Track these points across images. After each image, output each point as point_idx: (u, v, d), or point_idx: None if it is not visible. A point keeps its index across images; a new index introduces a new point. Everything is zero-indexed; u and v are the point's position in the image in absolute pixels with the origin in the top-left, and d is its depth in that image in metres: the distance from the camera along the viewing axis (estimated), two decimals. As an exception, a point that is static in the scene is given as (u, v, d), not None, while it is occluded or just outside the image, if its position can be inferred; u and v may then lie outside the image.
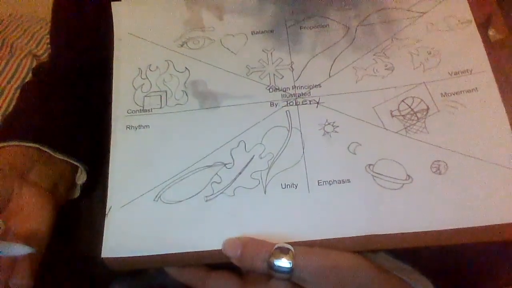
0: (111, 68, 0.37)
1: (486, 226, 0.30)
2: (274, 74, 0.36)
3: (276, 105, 0.35)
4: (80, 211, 0.46)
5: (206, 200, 0.32)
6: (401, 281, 0.30)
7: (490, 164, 0.32)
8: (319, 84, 0.36)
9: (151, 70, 0.37)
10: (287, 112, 0.35)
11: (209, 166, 0.33)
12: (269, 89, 0.36)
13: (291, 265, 0.28)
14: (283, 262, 0.29)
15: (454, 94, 0.34)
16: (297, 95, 0.35)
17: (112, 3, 0.39)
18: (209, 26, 0.39)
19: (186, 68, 0.37)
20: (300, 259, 0.29)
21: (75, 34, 0.48)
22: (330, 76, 0.36)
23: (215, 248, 0.31)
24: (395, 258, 0.31)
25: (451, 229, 0.30)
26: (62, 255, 0.40)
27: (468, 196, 0.31)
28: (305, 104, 0.35)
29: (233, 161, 0.33)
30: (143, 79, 0.37)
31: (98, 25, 0.42)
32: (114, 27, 0.39)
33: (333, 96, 0.35)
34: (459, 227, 0.30)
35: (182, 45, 0.38)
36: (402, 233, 0.30)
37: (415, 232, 0.30)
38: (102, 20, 0.39)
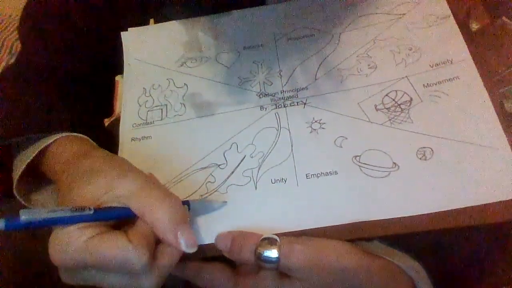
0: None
1: (475, 207, 0.30)
2: (264, 82, 0.39)
3: (265, 109, 0.37)
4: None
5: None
6: (390, 264, 0.30)
7: (476, 146, 0.32)
8: (305, 87, 0.38)
9: (154, 89, 0.41)
10: (276, 114, 0.37)
11: (204, 168, 0.36)
12: (259, 95, 0.38)
13: (277, 255, 0.29)
14: (270, 252, 0.30)
15: (436, 84, 0.35)
16: (285, 98, 0.38)
17: (121, 32, 0.44)
18: (206, 46, 0.42)
19: (184, 83, 0.40)
20: (286, 248, 0.29)
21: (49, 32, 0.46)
22: (316, 79, 0.38)
23: (209, 242, 0.32)
24: (390, 246, 0.31)
25: (441, 212, 0.30)
26: None
27: (455, 178, 0.31)
28: (293, 105, 0.37)
29: (226, 162, 0.36)
30: (147, 96, 0.41)
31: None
32: (124, 53, 0.43)
33: (319, 97, 0.37)
34: (448, 209, 0.30)
35: (181, 65, 0.42)
36: (391, 219, 0.31)
37: (403, 217, 0.30)
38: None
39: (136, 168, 0.32)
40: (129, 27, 0.44)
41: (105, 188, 0.30)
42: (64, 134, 0.37)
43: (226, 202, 0.34)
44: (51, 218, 0.27)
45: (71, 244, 0.27)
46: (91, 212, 0.28)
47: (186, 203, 0.32)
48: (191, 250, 0.29)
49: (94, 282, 0.29)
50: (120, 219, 0.30)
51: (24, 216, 0.27)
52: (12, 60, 0.47)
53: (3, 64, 0.86)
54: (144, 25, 0.45)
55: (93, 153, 0.35)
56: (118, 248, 0.27)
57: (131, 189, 0.29)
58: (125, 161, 0.33)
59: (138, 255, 0.27)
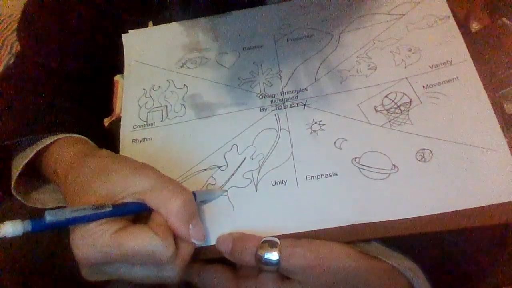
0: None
1: (474, 209, 0.30)
2: (263, 83, 0.39)
3: (265, 110, 0.37)
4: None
5: (202, 200, 0.34)
6: (388, 266, 0.30)
7: (475, 147, 0.32)
8: (305, 88, 0.38)
9: (154, 90, 0.41)
10: (276, 115, 0.37)
11: (204, 170, 0.36)
12: (259, 96, 0.38)
13: (278, 258, 0.30)
14: (270, 255, 0.30)
15: (435, 85, 0.35)
16: (285, 99, 0.38)
17: (122, 34, 0.44)
18: (205, 47, 0.42)
19: (184, 84, 0.41)
20: (286, 251, 0.30)
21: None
22: (316, 80, 0.38)
23: (210, 244, 0.32)
24: (388, 247, 0.31)
25: (440, 214, 0.30)
26: (59, 256, 0.42)
27: (454, 180, 0.31)
28: (293, 107, 0.37)
29: (227, 163, 0.36)
30: (147, 98, 0.41)
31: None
32: (125, 55, 0.43)
33: (319, 98, 0.37)
34: (447, 211, 0.30)
35: (181, 66, 0.42)
36: (390, 221, 0.31)
37: (402, 219, 0.31)
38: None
39: (146, 164, 0.33)
40: (129, 28, 0.44)
41: (120, 185, 0.30)
42: (64, 135, 0.37)
43: (226, 190, 0.34)
44: (75, 217, 0.28)
45: (97, 240, 0.28)
46: (110, 208, 0.29)
47: (192, 194, 0.33)
48: (200, 242, 0.31)
49: (119, 275, 0.30)
50: (135, 214, 0.31)
51: (50, 217, 0.27)
52: (13, 60, 0.47)
53: (3, 64, 0.85)
54: (144, 26, 0.45)
55: (99, 152, 0.35)
56: (145, 240, 0.28)
57: (146, 185, 0.30)
58: (132, 159, 0.34)
59: (166, 246, 0.28)
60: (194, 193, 0.33)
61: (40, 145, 0.37)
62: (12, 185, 0.38)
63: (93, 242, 0.28)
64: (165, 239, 0.28)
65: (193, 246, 0.31)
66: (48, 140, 0.37)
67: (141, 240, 0.28)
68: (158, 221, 0.30)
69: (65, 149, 0.36)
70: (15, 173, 0.37)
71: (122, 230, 0.28)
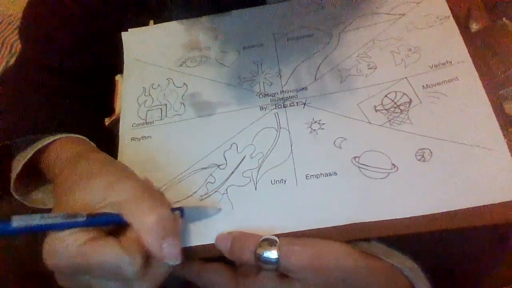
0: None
1: (474, 208, 0.30)
2: (263, 82, 0.39)
3: (265, 109, 0.37)
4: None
5: (201, 199, 0.34)
6: (388, 265, 0.30)
7: (474, 147, 0.32)
8: (305, 87, 0.38)
9: (153, 88, 0.41)
10: (276, 114, 0.37)
11: (204, 168, 0.36)
12: (259, 95, 0.38)
13: (277, 256, 0.29)
14: (269, 253, 0.30)
15: (435, 85, 0.35)
16: (285, 98, 0.38)
17: (122, 33, 0.44)
18: (205, 46, 0.42)
19: (184, 83, 0.41)
20: (285, 249, 0.30)
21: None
22: (315, 79, 0.38)
23: (209, 243, 0.32)
24: (389, 246, 0.31)
25: (439, 213, 0.30)
26: None
27: (454, 180, 0.31)
28: (293, 106, 0.37)
29: (226, 162, 0.36)
30: (147, 96, 0.41)
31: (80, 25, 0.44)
32: (124, 53, 0.43)
33: (319, 97, 0.37)
34: (447, 210, 0.30)
35: (181, 65, 0.42)
36: (389, 220, 0.31)
37: (402, 218, 0.31)
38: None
39: (132, 173, 0.32)
40: (129, 27, 0.44)
41: (99, 194, 0.30)
42: (64, 135, 0.37)
43: (220, 209, 0.33)
44: (43, 225, 0.27)
45: (64, 250, 0.27)
46: (84, 218, 0.28)
47: (180, 209, 0.32)
48: (174, 263, 0.29)
49: (90, 286, 0.29)
50: (113, 225, 0.30)
51: (16, 222, 0.26)
52: (13, 60, 0.47)
53: (3, 64, 0.85)
54: (144, 25, 0.45)
55: (91, 155, 0.35)
56: (110, 253, 0.27)
57: (124, 197, 0.29)
58: (122, 166, 0.33)
59: (130, 261, 0.27)
60: (182, 209, 0.32)
61: (39, 145, 0.37)
62: (12, 184, 0.37)
63: (61, 251, 0.27)
64: (131, 254, 0.27)
65: (168, 265, 0.29)
66: (48, 140, 0.37)
67: (105, 254, 0.27)
68: (130, 235, 0.29)
69: (64, 149, 0.36)
70: (13, 173, 0.37)
71: (91, 241, 0.28)
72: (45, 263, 0.28)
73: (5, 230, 0.26)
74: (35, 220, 0.27)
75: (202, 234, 0.33)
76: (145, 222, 0.29)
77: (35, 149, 0.36)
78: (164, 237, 0.29)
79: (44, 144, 0.37)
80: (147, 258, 0.29)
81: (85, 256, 0.27)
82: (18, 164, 0.37)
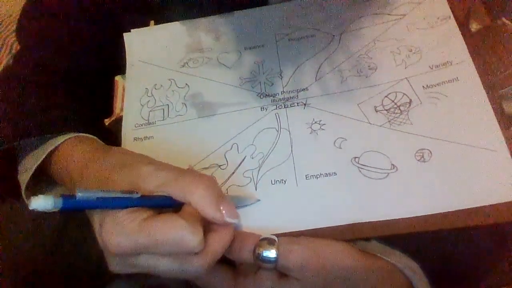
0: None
1: (472, 209, 0.30)
2: (264, 83, 0.39)
3: (266, 109, 0.38)
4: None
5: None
6: (387, 264, 0.30)
7: (474, 148, 0.32)
8: (306, 88, 0.38)
9: (156, 89, 0.41)
10: (276, 114, 0.37)
11: (205, 168, 0.36)
12: (260, 96, 0.39)
13: (276, 255, 0.30)
14: (268, 253, 0.30)
15: (435, 86, 0.35)
16: (285, 99, 0.38)
17: (124, 34, 0.44)
18: (207, 47, 0.43)
19: (186, 84, 0.41)
20: (285, 248, 0.30)
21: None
22: (316, 80, 0.38)
23: None
24: (388, 246, 0.32)
25: (439, 214, 0.30)
26: (59, 255, 0.42)
27: (454, 180, 0.31)
28: (293, 106, 0.37)
29: (227, 162, 0.36)
30: (149, 96, 0.41)
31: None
32: (127, 54, 0.44)
33: (319, 97, 0.37)
34: (447, 210, 0.30)
35: (183, 66, 0.42)
36: (389, 220, 0.31)
37: (401, 218, 0.31)
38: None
39: (157, 160, 0.33)
40: (130, 28, 0.44)
41: (144, 178, 0.30)
42: (73, 134, 0.37)
43: (259, 199, 0.34)
44: (105, 198, 0.28)
45: (126, 227, 0.27)
46: (138, 195, 0.29)
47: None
48: (233, 220, 0.30)
49: (146, 267, 0.29)
50: (162, 207, 0.31)
51: (81, 194, 0.27)
52: (11, 61, 0.47)
53: (3, 64, 0.86)
54: (145, 25, 0.45)
55: (112, 149, 0.35)
56: (174, 226, 0.27)
57: (168, 177, 0.30)
58: (149, 156, 0.33)
59: (193, 233, 0.27)
60: None
61: (50, 146, 0.36)
62: (23, 188, 0.37)
63: (123, 229, 0.27)
64: (193, 226, 0.28)
65: (228, 241, 0.30)
66: (59, 140, 0.36)
67: (169, 227, 0.27)
68: (188, 210, 0.29)
69: (76, 148, 0.36)
70: (26, 176, 0.36)
71: (151, 217, 0.28)
72: (105, 245, 0.28)
73: (70, 203, 0.27)
74: (97, 193, 0.28)
75: None
76: (197, 193, 0.29)
77: (48, 150, 0.36)
78: (218, 200, 0.30)
79: (56, 144, 0.36)
80: (204, 233, 0.29)
81: (148, 231, 0.27)
82: (29, 166, 0.36)
